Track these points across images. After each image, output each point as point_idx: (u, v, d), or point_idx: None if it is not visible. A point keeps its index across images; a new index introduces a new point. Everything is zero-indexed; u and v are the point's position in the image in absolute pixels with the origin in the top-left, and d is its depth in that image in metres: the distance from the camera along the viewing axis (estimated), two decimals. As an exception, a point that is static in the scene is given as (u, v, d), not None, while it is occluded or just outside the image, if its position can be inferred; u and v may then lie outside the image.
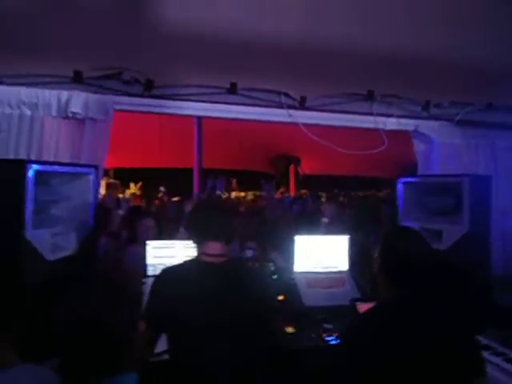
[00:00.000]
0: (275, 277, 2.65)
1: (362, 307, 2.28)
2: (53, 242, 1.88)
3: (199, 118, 4.35)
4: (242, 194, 9.62)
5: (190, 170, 6.42)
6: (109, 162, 8.60)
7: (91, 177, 2.17)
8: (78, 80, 2.35)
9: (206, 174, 6.83)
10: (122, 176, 9.01)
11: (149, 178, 9.57)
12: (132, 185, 9.89)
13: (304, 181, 8.89)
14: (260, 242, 3.21)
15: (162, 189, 8.20)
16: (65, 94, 2.32)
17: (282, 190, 8.27)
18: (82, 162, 2.36)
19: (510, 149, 2.97)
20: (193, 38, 2.41)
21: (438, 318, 1.33)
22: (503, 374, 1.77)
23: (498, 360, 1.84)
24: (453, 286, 1.97)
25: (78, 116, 2.34)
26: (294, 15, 2.57)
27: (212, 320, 1.49)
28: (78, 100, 2.33)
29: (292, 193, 8.54)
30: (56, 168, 1.99)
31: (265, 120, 2.79)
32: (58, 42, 2.25)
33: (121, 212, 4.21)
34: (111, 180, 9.02)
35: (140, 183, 9.38)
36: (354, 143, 3.06)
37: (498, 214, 2.43)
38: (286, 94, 2.74)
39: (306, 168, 8.16)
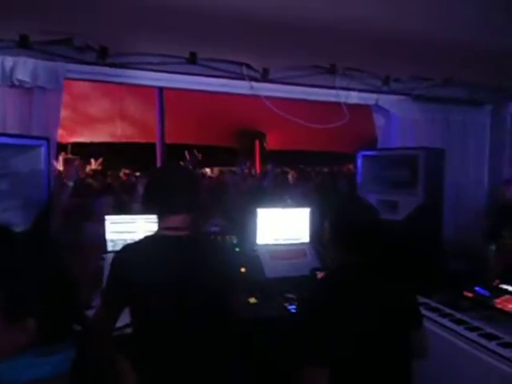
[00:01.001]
0: (237, 250, 2.67)
1: (322, 275, 2.37)
2: (2, 217, 1.78)
3: (160, 89, 4.18)
4: (207, 169, 9.54)
5: (154, 145, 6.24)
6: (67, 136, 8.23)
7: (42, 149, 2.05)
8: (24, 45, 2.19)
9: (169, 149, 6.68)
10: (81, 151, 8.68)
11: (110, 152, 9.28)
12: (93, 160, 9.56)
13: (270, 156, 8.90)
14: (224, 217, 3.22)
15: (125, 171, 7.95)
16: (10, 60, 2.16)
17: (247, 165, 8.24)
18: (33, 134, 2.24)
19: (463, 123, 3.09)
20: (151, 5, 2.29)
21: (382, 281, 1.42)
22: (448, 333, 1.90)
23: (444, 321, 1.96)
24: (400, 252, 2.07)
25: (26, 85, 2.19)
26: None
27: (173, 293, 1.48)
28: (25, 67, 2.18)
29: (258, 168, 8.55)
30: (2, 139, 1.86)
31: (226, 92, 2.73)
32: (2, 3, 2.08)
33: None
34: (70, 155, 8.67)
35: (101, 159, 9.09)
36: (318, 117, 3.08)
37: (450, 185, 2.54)
38: (248, 66, 2.69)
39: (272, 143, 8.16)
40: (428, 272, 2.16)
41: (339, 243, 1.42)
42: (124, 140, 8.11)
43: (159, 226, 1.57)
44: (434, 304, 2.13)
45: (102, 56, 2.34)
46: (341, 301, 1.33)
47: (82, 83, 3.52)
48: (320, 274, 2.37)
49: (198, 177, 1.63)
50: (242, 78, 2.70)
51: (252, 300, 2.26)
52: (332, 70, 2.88)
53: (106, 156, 9.05)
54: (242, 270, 2.50)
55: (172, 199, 1.54)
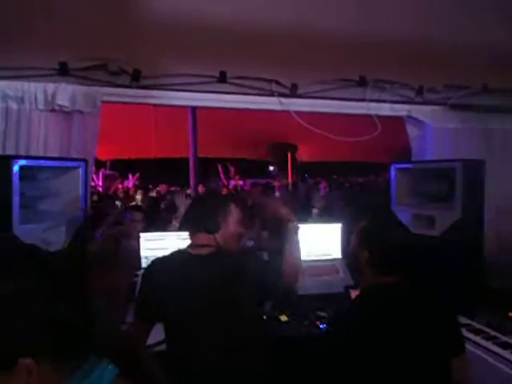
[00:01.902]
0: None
1: (356, 293, 2.30)
2: (42, 237, 1.87)
3: (193, 107, 4.29)
4: (241, 182, 9.61)
5: (187, 160, 6.38)
6: (105, 153, 8.59)
7: (80, 171, 2.15)
8: (63, 72, 2.31)
9: (203, 162, 6.81)
10: (120, 167, 9.02)
11: (146, 168, 9.58)
12: (130, 176, 9.91)
13: (302, 168, 8.86)
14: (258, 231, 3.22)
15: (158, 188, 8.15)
16: (51, 87, 2.29)
17: (280, 176, 8.26)
18: (72, 155, 2.34)
19: (504, 132, 2.93)
20: (180, 27, 2.38)
21: (419, 302, 1.35)
22: (493, 358, 1.78)
23: (488, 344, 1.85)
24: (437, 270, 1.97)
25: (65, 109, 2.31)
26: (285, 3, 2.52)
27: (199, 311, 1.50)
28: (65, 92, 2.30)
29: (290, 180, 8.53)
30: (43, 162, 1.97)
31: (256, 108, 2.75)
32: (42, 33, 2.22)
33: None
34: (108, 171, 9.04)
35: (138, 174, 9.40)
36: (349, 129, 3.03)
37: (491, 198, 2.40)
38: (277, 82, 2.70)
39: (304, 155, 8.11)
40: (470, 292, 2.05)
41: (375, 264, 1.39)
42: (159, 155, 8.34)
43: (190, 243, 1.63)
44: (477, 326, 2.00)
45: (136, 79, 2.43)
46: (375, 325, 1.28)
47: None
48: (354, 292, 2.31)
49: (227, 200, 1.70)
50: (271, 94, 2.72)
51: (283, 317, 2.23)
52: (362, 83, 2.83)
53: (143, 171, 9.35)
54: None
55: (193, 218, 1.64)
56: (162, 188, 8.03)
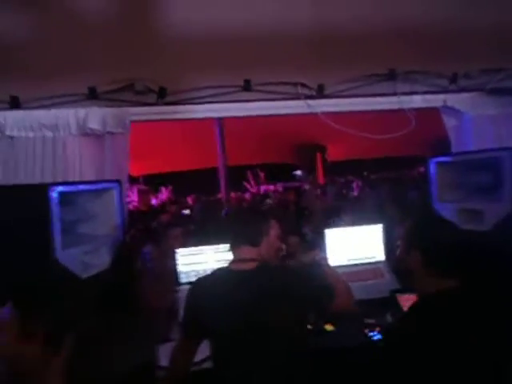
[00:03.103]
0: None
1: (403, 298, 2.19)
2: (83, 260, 1.90)
3: (219, 118, 4.31)
4: (271, 186, 9.58)
5: (216, 169, 6.43)
6: (137, 169, 8.79)
7: (115, 191, 2.17)
8: (93, 96, 2.37)
9: (232, 171, 6.83)
10: (152, 181, 9.22)
11: (178, 180, 9.72)
12: (163, 189, 10.12)
13: (333, 168, 8.72)
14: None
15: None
16: (82, 112, 2.34)
17: (311, 178, 8.16)
18: (106, 176, 2.38)
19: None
20: (200, 40, 2.38)
21: (486, 311, 1.23)
22: None
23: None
24: (501, 272, 1.83)
25: (97, 132, 2.35)
26: (301, 2, 2.48)
27: (242, 331, 1.45)
28: (95, 116, 2.35)
29: (321, 181, 8.40)
30: (78, 187, 2.00)
31: (283, 113, 2.71)
32: (69, 61, 2.28)
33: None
34: (142, 186, 9.27)
35: (170, 187, 9.58)
36: (381, 125, 2.92)
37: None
38: (303, 84, 2.64)
39: (333, 155, 7.97)
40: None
41: (430, 265, 1.29)
42: (189, 167, 8.46)
43: (231, 258, 1.61)
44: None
45: (162, 96, 2.45)
46: (438, 337, 1.17)
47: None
48: (401, 296, 2.20)
49: (265, 213, 1.73)
50: (297, 97, 2.66)
51: (328, 327, 2.15)
52: (391, 76, 2.73)
53: (175, 184, 9.51)
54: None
55: (235, 231, 1.60)
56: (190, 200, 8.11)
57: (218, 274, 1.62)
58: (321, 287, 1.56)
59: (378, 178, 8.37)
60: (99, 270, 2.00)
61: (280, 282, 1.49)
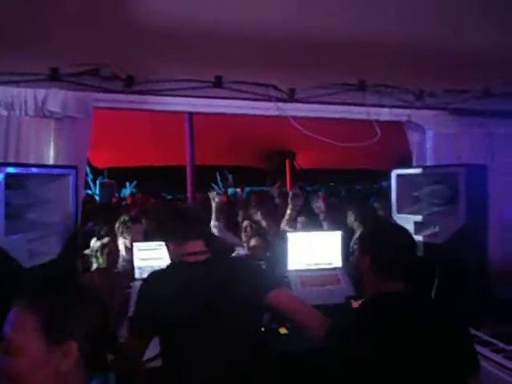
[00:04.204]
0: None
1: (358, 305, 2.22)
2: (29, 247, 1.79)
3: (190, 113, 4.24)
4: (239, 190, 9.54)
5: (185, 167, 6.32)
6: (103, 161, 8.50)
7: (71, 178, 2.07)
8: (55, 77, 2.25)
9: (200, 170, 6.75)
10: (117, 176, 8.96)
11: (143, 176, 9.51)
12: (127, 184, 9.86)
13: (301, 175, 8.79)
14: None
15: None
16: (42, 93, 2.22)
17: (278, 184, 8.18)
18: (63, 162, 2.27)
19: (507, 137, 2.88)
20: (174, 31, 2.31)
21: (429, 315, 1.27)
22: (503, 371, 1.70)
23: (498, 357, 1.76)
24: (445, 280, 1.90)
25: (56, 115, 2.24)
26: (280, 5, 2.47)
27: (198, 321, 1.44)
28: (56, 98, 2.23)
29: (289, 188, 8.44)
30: (31, 170, 1.89)
31: (252, 114, 2.69)
32: (32, 39, 2.15)
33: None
34: (106, 180, 8.97)
35: (135, 182, 9.34)
36: (349, 135, 2.97)
37: (495, 205, 2.33)
38: (274, 87, 2.64)
39: (302, 162, 8.04)
40: (475, 301, 1.97)
41: (379, 272, 1.32)
42: (157, 163, 8.28)
43: (178, 252, 1.59)
44: (484, 337, 1.92)
45: (129, 84, 2.37)
46: (378, 338, 1.20)
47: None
48: (355, 303, 2.23)
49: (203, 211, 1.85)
50: (268, 99, 2.66)
51: (283, 330, 2.14)
52: (361, 87, 2.78)
53: (140, 180, 9.29)
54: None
55: (193, 226, 1.62)
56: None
57: (172, 266, 1.60)
58: (263, 279, 1.63)
59: (342, 189, 8.53)
60: (47, 259, 1.90)
61: (231, 270, 1.58)
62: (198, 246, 1.58)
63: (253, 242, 3.08)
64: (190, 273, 1.52)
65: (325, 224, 3.49)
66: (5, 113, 2.20)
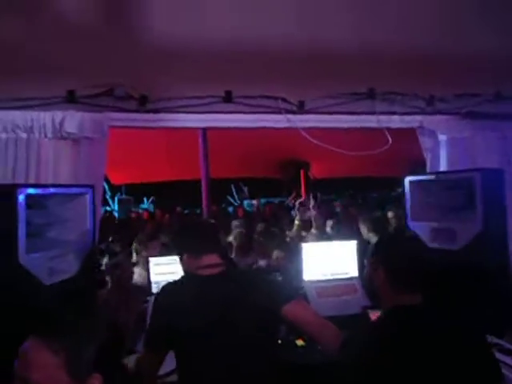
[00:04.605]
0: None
1: (375, 315, 2.19)
2: (50, 265, 1.85)
3: (203, 129, 4.31)
4: (254, 201, 9.58)
5: (200, 182, 6.39)
6: (120, 178, 8.67)
7: (88, 197, 2.13)
8: (71, 99, 2.34)
9: (215, 183, 6.81)
10: (134, 192, 9.12)
11: (160, 191, 9.65)
12: (145, 199, 10.01)
13: (316, 184, 8.77)
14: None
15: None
16: (59, 115, 2.31)
17: (293, 195, 8.20)
18: (81, 182, 2.34)
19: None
20: (183, 49, 2.38)
21: (448, 326, 1.24)
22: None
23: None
24: (465, 289, 1.86)
25: (74, 136, 2.32)
26: (286, 19, 2.51)
27: (213, 334, 1.44)
28: (73, 120, 2.31)
29: (304, 197, 8.43)
30: (49, 190, 1.96)
31: (263, 127, 2.73)
32: (48, 63, 2.24)
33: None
34: (124, 196, 9.14)
35: (152, 198, 9.48)
36: (361, 143, 2.97)
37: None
38: (283, 99, 2.67)
39: (316, 172, 8.04)
40: (497, 309, 1.92)
41: (391, 280, 1.29)
42: (173, 178, 8.40)
43: (192, 265, 1.60)
44: (507, 346, 1.87)
45: (143, 103, 2.44)
46: (398, 351, 1.17)
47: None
48: (373, 313, 2.20)
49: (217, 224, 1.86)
50: (278, 111, 2.69)
51: (299, 342, 2.12)
52: (371, 95, 2.78)
53: (157, 195, 9.42)
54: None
55: (208, 239, 1.64)
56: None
57: (186, 279, 1.61)
58: (278, 290, 1.63)
59: (359, 197, 8.45)
60: (66, 277, 1.95)
61: (246, 283, 1.58)
62: (212, 259, 1.59)
63: (275, 254, 3.10)
64: (204, 284, 1.53)
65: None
66: (25, 136, 2.29)
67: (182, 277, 1.64)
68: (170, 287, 1.62)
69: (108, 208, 8.96)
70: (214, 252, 1.60)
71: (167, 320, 1.50)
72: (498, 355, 1.75)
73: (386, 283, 1.30)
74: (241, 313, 1.47)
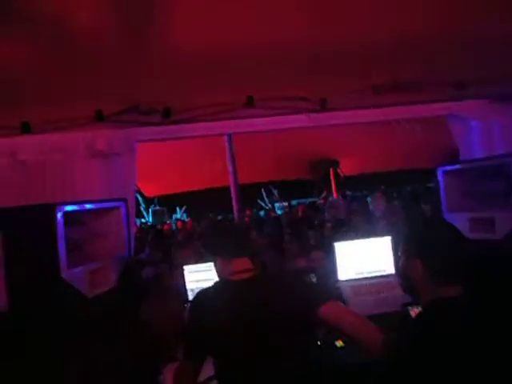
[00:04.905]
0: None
1: (415, 312, 2.12)
2: (90, 278, 1.93)
3: (229, 135, 4.36)
4: (286, 203, 9.56)
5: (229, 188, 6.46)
6: (152, 190, 8.87)
7: (121, 210, 2.21)
8: (99, 118, 2.43)
9: (245, 189, 6.86)
10: (168, 202, 9.35)
11: (193, 200, 9.82)
12: (178, 209, 10.22)
13: (347, 182, 8.64)
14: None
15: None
16: (89, 135, 2.41)
17: (324, 194, 8.11)
18: (114, 196, 2.43)
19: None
20: (202, 58, 2.42)
21: (492, 317, 1.19)
22: None
23: None
24: (506, 280, 1.76)
25: (104, 153, 2.42)
26: (301, 18, 2.51)
27: (243, 340, 1.44)
28: (102, 138, 2.41)
29: (335, 196, 8.33)
30: (85, 206, 2.05)
31: (287, 127, 2.73)
32: (76, 86, 2.35)
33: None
34: (157, 207, 9.39)
35: (184, 207, 9.68)
36: (392, 134, 2.91)
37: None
38: (305, 99, 2.66)
39: (346, 169, 7.92)
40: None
41: (431, 273, 1.24)
42: (203, 186, 8.53)
43: (224, 270, 1.61)
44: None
45: (167, 116, 2.50)
46: (444, 350, 1.12)
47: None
48: (413, 310, 2.13)
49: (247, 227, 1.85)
50: (300, 111, 2.68)
51: (339, 343, 2.09)
52: (395, 86, 2.72)
53: (190, 204, 9.61)
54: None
55: (234, 244, 1.63)
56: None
57: (219, 286, 1.62)
58: (312, 292, 1.61)
59: (393, 191, 8.24)
60: (106, 289, 2.02)
61: (276, 287, 1.55)
62: (243, 263, 1.59)
63: (314, 255, 3.08)
64: (234, 290, 1.54)
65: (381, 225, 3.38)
66: (61, 157, 2.41)
67: (215, 283, 1.65)
68: (201, 295, 1.63)
69: (143, 220, 9.24)
70: (244, 256, 1.60)
71: (200, 327, 1.53)
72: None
73: (425, 275, 1.25)
74: (269, 318, 1.46)
